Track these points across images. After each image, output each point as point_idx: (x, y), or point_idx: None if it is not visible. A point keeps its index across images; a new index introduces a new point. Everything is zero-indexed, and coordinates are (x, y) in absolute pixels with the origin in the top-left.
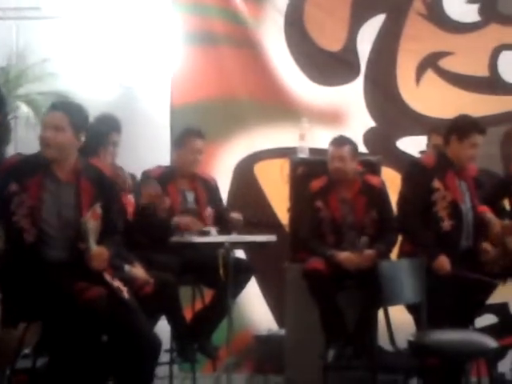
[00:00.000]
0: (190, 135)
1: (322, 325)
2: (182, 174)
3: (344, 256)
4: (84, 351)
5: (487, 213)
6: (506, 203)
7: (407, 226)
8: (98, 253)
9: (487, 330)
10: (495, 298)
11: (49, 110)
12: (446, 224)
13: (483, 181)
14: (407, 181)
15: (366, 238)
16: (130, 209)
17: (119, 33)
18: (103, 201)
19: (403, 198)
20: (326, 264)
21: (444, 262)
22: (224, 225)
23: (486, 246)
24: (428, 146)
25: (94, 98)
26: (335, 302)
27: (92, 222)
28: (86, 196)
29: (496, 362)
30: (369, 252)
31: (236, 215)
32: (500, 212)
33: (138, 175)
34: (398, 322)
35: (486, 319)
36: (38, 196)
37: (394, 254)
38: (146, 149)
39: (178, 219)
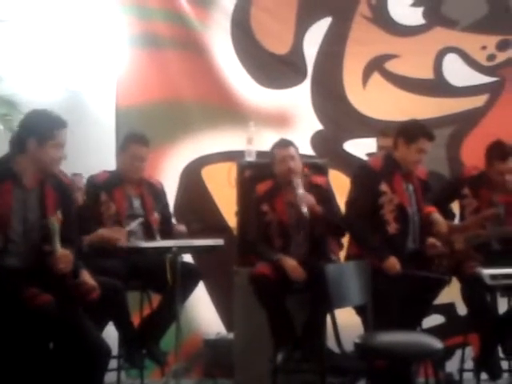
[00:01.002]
0: (131, 142)
1: (270, 329)
2: (128, 179)
3: (290, 265)
4: (31, 358)
5: (434, 213)
6: (454, 206)
7: (355, 229)
8: (64, 255)
9: (434, 330)
10: (442, 298)
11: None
12: (392, 227)
13: (431, 183)
14: (355, 184)
15: None
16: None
17: (64, 36)
18: (63, 206)
19: (351, 201)
20: (272, 269)
21: (394, 263)
22: (169, 232)
23: (433, 240)
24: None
25: (40, 102)
26: (283, 305)
27: (56, 224)
28: (50, 201)
29: (443, 363)
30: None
31: (181, 228)
32: (447, 214)
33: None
34: (347, 323)
35: (433, 319)
36: (7, 203)
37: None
38: (92, 152)
39: (102, 231)
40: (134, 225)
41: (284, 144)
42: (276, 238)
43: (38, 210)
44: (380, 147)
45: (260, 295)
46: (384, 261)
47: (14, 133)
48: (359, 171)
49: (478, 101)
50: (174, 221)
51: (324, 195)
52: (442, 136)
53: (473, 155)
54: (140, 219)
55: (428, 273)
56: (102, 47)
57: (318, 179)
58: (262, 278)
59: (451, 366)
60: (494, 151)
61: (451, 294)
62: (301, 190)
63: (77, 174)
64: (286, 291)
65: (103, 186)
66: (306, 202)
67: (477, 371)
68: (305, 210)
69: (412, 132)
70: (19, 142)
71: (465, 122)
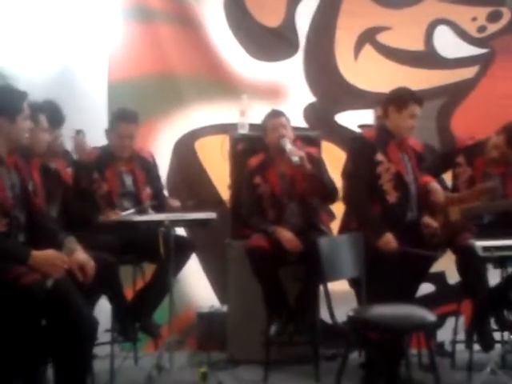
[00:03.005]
0: (118, 120)
1: (264, 301)
2: (118, 156)
3: (286, 237)
4: (22, 335)
5: (431, 182)
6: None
7: (353, 204)
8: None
9: (425, 299)
10: (432, 267)
11: None
12: (392, 196)
13: (424, 154)
14: (351, 156)
15: None
16: (69, 181)
17: (56, 9)
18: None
19: (350, 174)
20: (268, 241)
21: (390, 240)
22: (161, 205)
23: (427, 219)
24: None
25: (32, 76)
26: (278, 278)
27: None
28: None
29: (435, 331)
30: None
31: (174, 202)
32: (441, 184)
33: None
34: (342, 294)
35: (424, 288)
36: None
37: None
38: (84, 126)
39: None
40: (128, 213)
41: (276, 114)
42: (269, 210)
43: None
44: (377, 117)
45: (255, 267)
46: (380, 237)
47: None
48: (354, 143)
49: (469, 72)
50: (166, 193)
51: (316, 164)
52: (433, 107)
53: (463, 127)
54: (134, 210)
55: (421, 250)
56: (95, 20)
57: (310, 149)
58: (258, 249)
59: (442, 334)
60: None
61: (441, 263)
62: (289, 146)
63: (79, 131)
64: (280, 263)
65: (94, 166)
66: (296, 153)
67: (469, 342)
68: (295, 158)
69: (401, 98)
70: None
71: (455, 94)
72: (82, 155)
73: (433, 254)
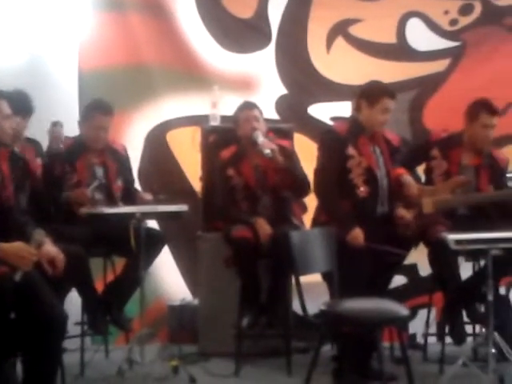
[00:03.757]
0: (93, 111)
1: (240, 292)
2: (91, 147)
3: (264, 231)
4: None
5: (404, 175)
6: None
7: (323, 197)
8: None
9: (397, 291)
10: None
11: None
12: (362, 190)
13: (399, 148)
14: (322, 150)
15: None
16: (39, 171)
17: None
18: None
19: (320, 168)
20: (252, 232)
21: (358, 235)
22: (132, 198)
23: (402, 211)
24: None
25: (2, 66)
26: (257, 269)
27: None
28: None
29: (407, 323)
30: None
31: (146, 196)
32: (414, 177)
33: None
34: (314, 286)
35: (396, 280)
36: None
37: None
38: (54, 117)
39: (68, 193)
40: (93, 186)
41: (248, 106)
42: (242, 202)
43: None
44: (354, 110)
45: (239, 258)
46: (348, 232)
47: None
48: (325, 136)
49: (440, 65)
50: (138, 186)
51: (288, 155)
52: (405, 100)
53: (434, 119)
54: (97, 182)
55: (390, 247)
56: (65, 10)
57: (283, 142)
58: (244, 241)
59: (414, 326)
60: (482, 105)
61: (413, 255)
62: (261, 138)
63: (56, 122)
64: (259, 255)
65: (65, 157)
66: (268, 146)
67: (440, 335)
68: (267, 151)
69: (374, 92)
70: None
71: (427, 87)
72: (58, 146)
73: (401, 252)
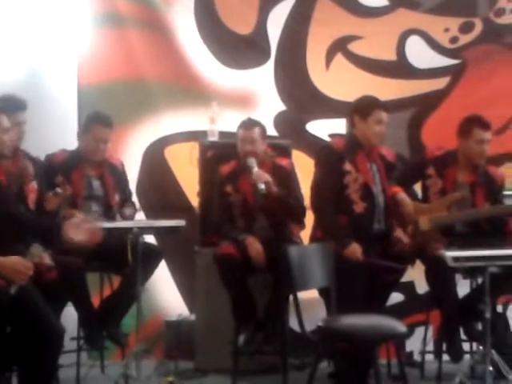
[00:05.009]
0: (94, 122)
1: (232, 310)
2: (89, 160)
3: (254, 249)
4: None
5: (400, 193)
6: (416, 187)
7: (319, 213)
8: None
9: (394, 308)
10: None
11: None
12: (359, 206)
13: (395, 163)
14: (319, 165)
15: None
16: (33, 195)
17: (25, 12)
18: None
19: (316, 184)
20: (237, 249)
21: (356, 250)
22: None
23: (399, 234)
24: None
25: (0, 80)
26: (246, 286)
27: None
28: None
29: (404, 341)
30: None
31: (128, 211)
32: (411, 195)
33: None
34: (311, 303)
35: (393, 298)
36: None
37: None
38: (53, 131)
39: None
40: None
41: (248, 125)
42: (239, 219)
43: None
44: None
45: (224, 275)
46: (346, 247)
47: None
48: (322, 152)
49: (440, 83)
50: (136, 201)
51: (286, 177)
52: (404, 118)
53: (433, 137)
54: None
55: (389, 262)
56: (64, 25)
57: (283, 161)
58: (227, 257)
59: (411, 344)
60: (474, 121)
61: (410, 272)
62: (256, 169)
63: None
64: (249, 272)
65: (60, 168)
66: (261, 178)
67: (438, 353)
68: (262, 186)
69: (365, 106)
70: None
71: (426, 104)
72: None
73: (399, 266)
